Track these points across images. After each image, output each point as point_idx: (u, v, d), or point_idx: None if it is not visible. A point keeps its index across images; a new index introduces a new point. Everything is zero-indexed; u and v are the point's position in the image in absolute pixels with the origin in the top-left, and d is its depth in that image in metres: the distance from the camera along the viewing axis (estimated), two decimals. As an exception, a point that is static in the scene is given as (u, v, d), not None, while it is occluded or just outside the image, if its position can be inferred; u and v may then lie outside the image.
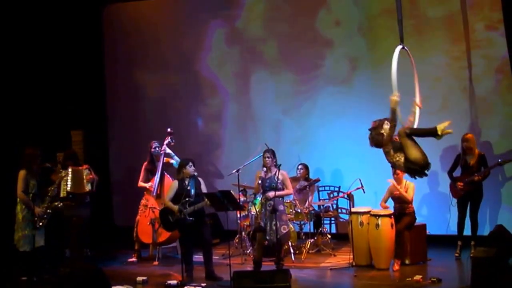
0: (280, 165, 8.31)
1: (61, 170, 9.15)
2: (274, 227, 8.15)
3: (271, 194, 8.22)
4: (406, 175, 8.66)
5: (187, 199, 8.27)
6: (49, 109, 11.05)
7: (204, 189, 8.48)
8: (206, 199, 8.21)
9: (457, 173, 9.14)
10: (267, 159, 8.37)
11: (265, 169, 8.39)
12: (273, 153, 8.44)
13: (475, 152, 8.93)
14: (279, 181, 8.28)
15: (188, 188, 8.32)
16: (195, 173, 8.44)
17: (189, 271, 8.28)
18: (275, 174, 8.31)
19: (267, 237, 8.22)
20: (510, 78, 9.43)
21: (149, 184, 9.64)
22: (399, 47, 7.22)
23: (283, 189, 8.34)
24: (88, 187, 9.22)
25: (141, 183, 9.75)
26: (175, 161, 9.64)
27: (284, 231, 8.24)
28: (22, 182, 8.44)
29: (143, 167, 9.82)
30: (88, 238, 9.64)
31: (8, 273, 8.65)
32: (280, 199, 8.35)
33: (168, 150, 9.65)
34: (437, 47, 9.84)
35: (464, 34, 9.66)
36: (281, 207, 8.32)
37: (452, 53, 9.80)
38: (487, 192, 9.08)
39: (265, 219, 8.28)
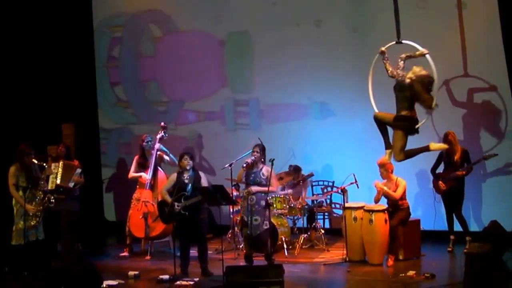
0: (274, 159, 8.28)
1: (51, 165, 9.10)
2: (255, 222, 8.20)
3: (254, 188, 8.24)
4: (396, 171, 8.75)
5: (182, 193, 8.21)
6: (40, 102, 10.98)
7: (205, 183, 8.35)
8: (199, 196, 8.12)
9: (441, 170, 9.19)
10: (255, 153, 8.33)
11: (248, 162, 8.33)
12: (262, 149, 8.43)
13: (458, 148, 8.97)
14: (264, 177, 8.29)
15: (186, 181, 8.26)
16: (188, 167, 8.32)
17: (183, 266, 8.22)
18: (260, 169, 8.30)
19: (248, 232, 8.23)
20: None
21: (142, 174, 9.53)
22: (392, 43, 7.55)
23: (266, 186, 8.30)
24: (71, 185, 9.25)
25: (131, 174, 9.66)
26: (169, 157, 9.59)
27: (266, 227, 8.26)
28: (12, 177, 8.43)
29: (135, 160, 9.75)
30: (80, 232, 9.60)
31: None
32: (263, 194, 8.33)
33: (164, 148, 9.57)
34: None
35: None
36: (263, 203, 8.30)
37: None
38: (469, 188, 9.13)
39: (247, 213, 8.27)
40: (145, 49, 11.69)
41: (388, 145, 7.67)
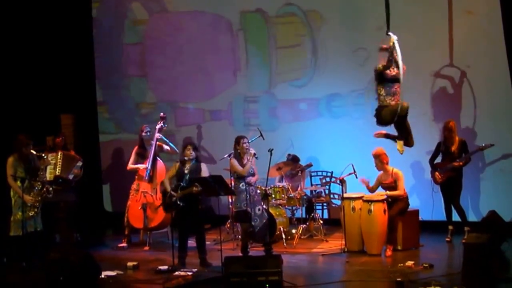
0: (272, 149, 8.31)
1: (48, 155, 9.09)
2: (258, 212, 8.27)
3: (254, 179, 8.31)
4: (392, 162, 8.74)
5: (179, 183, 8.20)
6: (38, 92, 10.95)
7: (205, 175, 8.26)
8: (193, 186, 8.06)
9: (440, 161, 9.18)
10: (247, 144, 8.34)
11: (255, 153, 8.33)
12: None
13: (456, 138, 8.97)
14: (252, 167, 8.36)
15: (186, 172, 8.25)
16: (191, 157, 8.27)
17: (181, 258, 8.21)
18: (249, 160, 8.32)
19: (253, 223, 8.24)
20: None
21: (141, 165, 9.51)
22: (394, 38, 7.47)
23: (254, 175, 8.44)
24: (70, 177, 9.26)
25: (130, 165, 9.65)
26: (169, 146, 9.59)
27: (266, 216, 8.39)
28: (10, 168, 8.42)
29: (134, 150, 9.74)
30: (78, 223, 9.59)
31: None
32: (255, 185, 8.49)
33: (164, 137, 9.56)
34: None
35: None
36: (258, 192, 8.47)
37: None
38: (467, 178, 9.13)
39: (250, 204, 8.26)
40: (128, 34, 11.22)
41: (400, 136, 7.74)
